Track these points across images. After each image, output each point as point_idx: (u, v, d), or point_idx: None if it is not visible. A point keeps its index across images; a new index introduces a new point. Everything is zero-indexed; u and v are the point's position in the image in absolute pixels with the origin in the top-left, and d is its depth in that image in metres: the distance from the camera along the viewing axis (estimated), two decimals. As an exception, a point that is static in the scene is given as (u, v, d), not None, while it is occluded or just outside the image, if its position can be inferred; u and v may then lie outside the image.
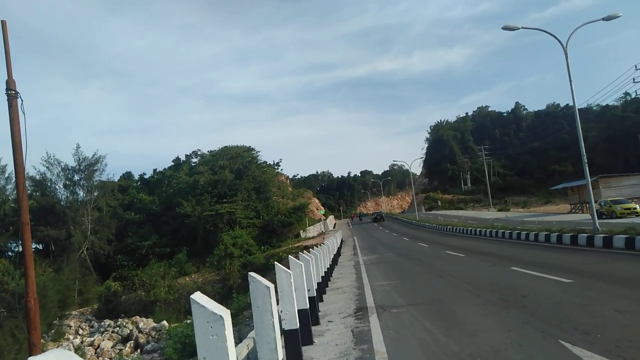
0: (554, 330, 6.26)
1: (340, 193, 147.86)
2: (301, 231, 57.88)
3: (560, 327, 6.38)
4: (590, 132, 70.98)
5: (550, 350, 5.43)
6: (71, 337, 32.78)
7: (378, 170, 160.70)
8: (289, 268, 6.15)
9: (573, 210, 45.03)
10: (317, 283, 10.29)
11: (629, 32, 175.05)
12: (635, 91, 74.68)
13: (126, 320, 33.48)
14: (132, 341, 29.39)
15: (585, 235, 17.55)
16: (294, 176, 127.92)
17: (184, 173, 71.59)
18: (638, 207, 30.25)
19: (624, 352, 5.02)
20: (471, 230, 32.35)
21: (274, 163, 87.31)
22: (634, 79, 36.20)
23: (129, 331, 30.88)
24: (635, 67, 34.86)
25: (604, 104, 78.50)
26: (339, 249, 28.02)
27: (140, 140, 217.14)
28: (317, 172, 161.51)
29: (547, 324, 6.62)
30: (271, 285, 4.10)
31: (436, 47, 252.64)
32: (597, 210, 21.73)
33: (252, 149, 73.10)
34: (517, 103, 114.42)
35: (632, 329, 5.96)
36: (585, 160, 19.46)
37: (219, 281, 42.10)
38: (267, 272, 30.80)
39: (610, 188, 38.66)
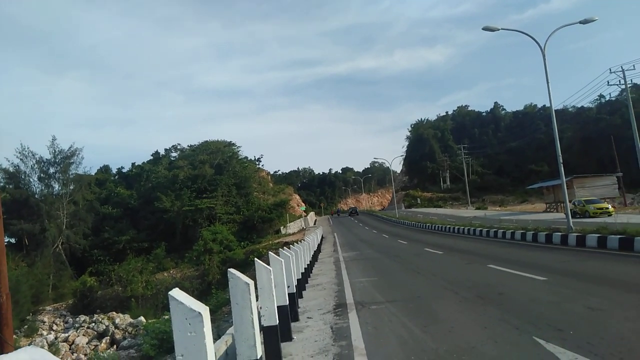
0: (529, 326, 6.40)
1: (321, 190, 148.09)
2: (282, 227, 57.79)
3: (535, 323, 6.53)
4: (566, 133, 72.53)
5: (524, 347, 5.54)
6: (45, 333, 32.09)
7: (359, 167, 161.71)
8: (269, 264, 6.13)
9: (548, 210, 46.03)
10: (297, 279, 10.29)
11: (605, 36, 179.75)
12: (610, 93, 76.90)
13: (102, 316, 32.92)
14: (108, 337, 28.94)
15: (560, 234, 17.97)
16: (275, 172, 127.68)
17: (163, 167, 70.64)
18: (610, 207, 31.11)
19: (595, 348, 5.16)
20: (450, 228, 32.79)
21: (255, 159, 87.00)
22: (608, 82, 37.12)
23: (104, 327, 30.38)
24: (610, 70, 35.67)
25: (579, 105, 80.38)
26: (319, 245, 28.08)
27: (118, 133, 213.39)
28: (298, 168, 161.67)
29: (521, 321, 6.76)
30: (251, 282, 4.08)
31: (417, 46, 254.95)
32: (571, 210, 22.27)
33: (233, 144, 72.66)
34: (495, 103, 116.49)
35: (603, 325, 6.13)
36: (561, 161, 19.89)
37: (198, 277, 41.74)
38: (247, 268, 30.67)
39: (584, 188, 39.62)
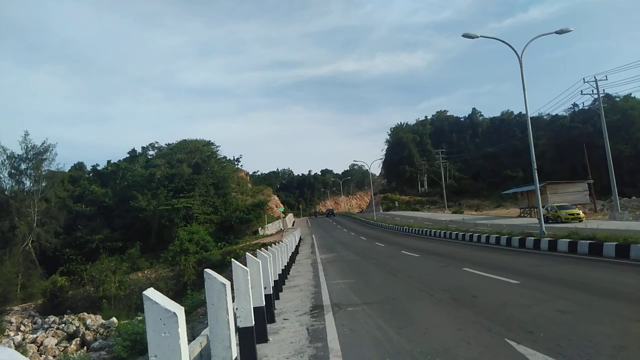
0: (501, 329, 6.52)
1: (300, 191, 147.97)
2: (260, 228, 57.49)
3: (507, 326, 6.66)
4: (541, 140, 74.28)
5: (496, 349, 5.65)
6: (12, 333, 31.12)
7: (338, 169, 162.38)
8: (246, 265, 6.09)
9: (522, 215, 47.04)
10: (274, 281, 10.26)
11: (580, 46, 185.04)
12: (583, 102, 79.05)
13: (72, 316, 32.12)
14: (79, 338, 28.23)
15: (533, 238, 18.38)
16: (254, 173, 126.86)
17: (139, 166, 69.52)
18: (581, 213, 31.98)
19: (564, 350, 5.30)
20: (426, 231, 33.16)
21: (233, 159, 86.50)
22: (581, 91, 38.21)
23: (75, 328, 29.64)
24: (584, 79, 36.75)
25: (553, 113, 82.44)
26: (297, 247, 28.03)
27: (93, 130, 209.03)
28: (277, 169, 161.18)
29: (494, 323, 6.89)
30: (227, 282, 4.05)
31: (399, 50, 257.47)
32: (544, 215, 22.82)
33: (212, 144, 72.00)
34: (474, 109, 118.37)
35: (572, 328, 6.30)
36: (535, 167, 20.37)
37: (173, 277, 41.19)
38: (224, 269, 30.42)
39: (556, 194, 40.66)
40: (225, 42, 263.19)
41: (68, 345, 27.49)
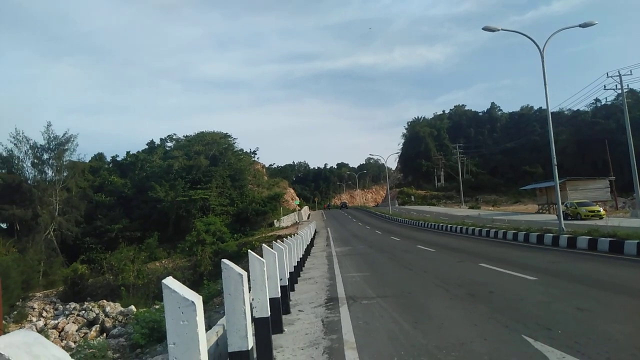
0: (518, 325, 6.46)
1: (315, 184, 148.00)
2: (275, 221, 57.79)
3: (524, 322, 6.59)
4: (561, 135, 72.93)
5: (513, 345, 5.60)
6: (34, 319, 31.99)
7: (354, 163, 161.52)
8: (262, 256, 6.14)
9: (540, 211, 46.36)
10: (290, 272, 10.32)
11: (604, 41, 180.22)
12: (606, 98, 77.27)
13: (92, 303, 32.85)
14: (98, 325, 28.89)
15: (551, 235, 18.11)
16: (270, 165, 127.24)
17: (158, 157, 70.30)
18: (602, 210, 31.36)
19: (582, 347, 5.22)
20: (443, 226, 32.94)
21: (250, 151, 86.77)
22: (605, 86, 37.15)
23: (95, 315, 30.33)
24: (607, 74, 35.80)
25: (575, 109, 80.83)
26: (312, 239, 28.13)
27: (113, 121, 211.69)
28: (293, 162, 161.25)
29: (511, 319, 6.83)
30: (244, 273, 4.09)
31: (417, 44, 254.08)
32: (563, 212, 22.44)
33: (229, 136, 72.40)
34: (492, 104, 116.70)
35: (591, 326, 6.21)
36: (555, 163, 20.02)
37: (190, 267, 41.72)
38: (239, 260, 30.68)
39: (576, 191, 39.95)
40: (243, 34, 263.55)
41: (88, 331, 28.15)
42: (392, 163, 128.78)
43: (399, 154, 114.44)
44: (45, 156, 55.54)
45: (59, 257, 50.35)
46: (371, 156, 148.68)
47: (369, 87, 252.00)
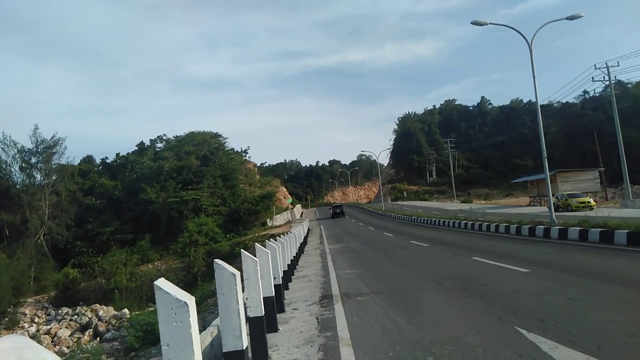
0: (511, 317, 6.50)
1: (308, 182, 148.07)
2: (268, 220, 57.71)
3: (517, 314, 6.64)
4: (551, 128, 73.48)
5: (507, 337, 5.64)
6: (26, 325, 31.67)
7: (346, 160, 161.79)
8: (255, 256, 6.12)
9: (532, 203, 46.71)
10: (283, 271, 10.31)
11: (591, 33, 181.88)
12: (594, 90, 78.13)
13: (85, 308, 32.57)
14: (91, 329, 28.65)
15: (543, 227, 18.26)
16: (262, 164, 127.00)
17: (148, 158, 69.88)
18: (592, 201, 31.66)
19: (574, 337, 5.27)
20: (435, 220, 33.07)
21: (241, 150, 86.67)
22: (592, 78, 37.46)
23: (87, 319, 30.08)
24: (595, 66, 36.12)
25: (564, 101, 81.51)
26: (306, 237, 28.12)
27: (102, 123, 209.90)
28: (285, 160, 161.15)
29: (504, 312, 6.87)
30: (237, 272, 4.07)
31: (406, 39, 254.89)
32: (554, 204, 22.63)
33: (220, 136, 72.19)
34: (482, 97, 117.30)
35: (583, 316, 6.27)
36: (545, 156, 20.16)
37: (183, 269, 41.57)
38: (233, 260, 30.57)
39: (567, 182, 40.27)
40: (232, 33, 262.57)
41: (81, 336, 27.92)
42: (384, 159, 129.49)
43: (391, 149, 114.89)
44: (34, 160, 55.03)
45: (49, 262, 49.88)
46: (363, 153, 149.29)
47: (360, 83, 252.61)
